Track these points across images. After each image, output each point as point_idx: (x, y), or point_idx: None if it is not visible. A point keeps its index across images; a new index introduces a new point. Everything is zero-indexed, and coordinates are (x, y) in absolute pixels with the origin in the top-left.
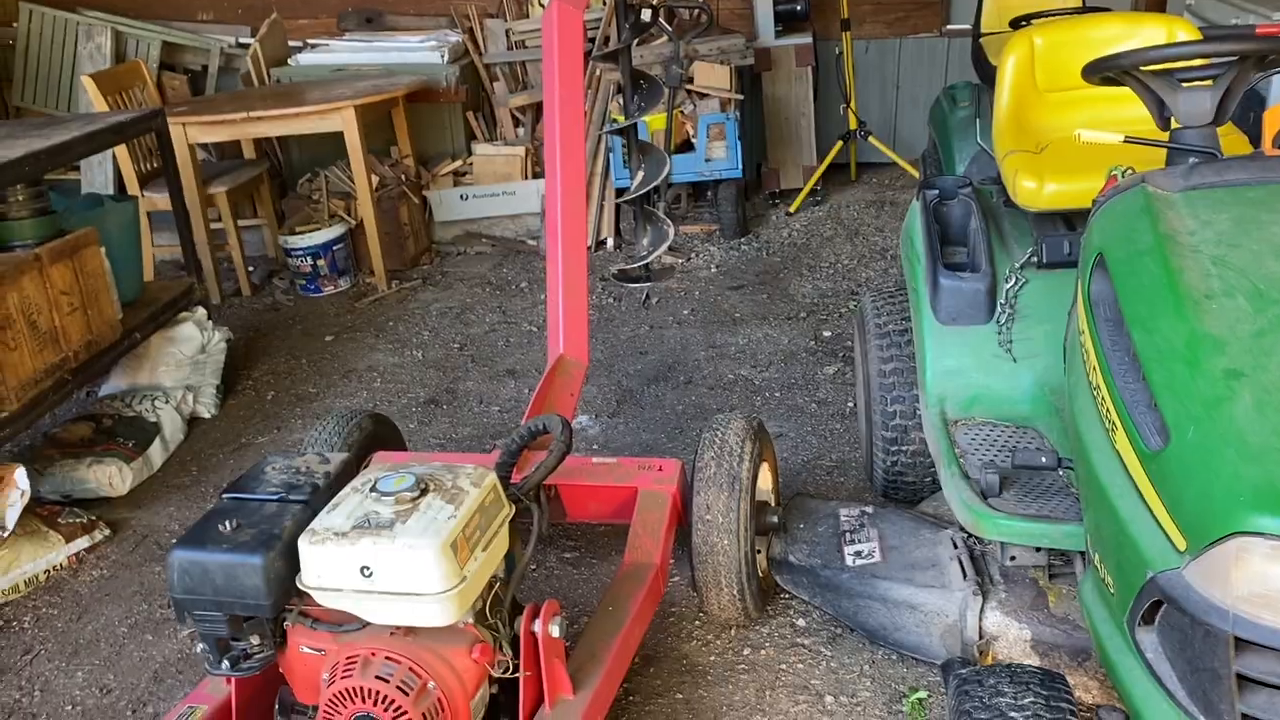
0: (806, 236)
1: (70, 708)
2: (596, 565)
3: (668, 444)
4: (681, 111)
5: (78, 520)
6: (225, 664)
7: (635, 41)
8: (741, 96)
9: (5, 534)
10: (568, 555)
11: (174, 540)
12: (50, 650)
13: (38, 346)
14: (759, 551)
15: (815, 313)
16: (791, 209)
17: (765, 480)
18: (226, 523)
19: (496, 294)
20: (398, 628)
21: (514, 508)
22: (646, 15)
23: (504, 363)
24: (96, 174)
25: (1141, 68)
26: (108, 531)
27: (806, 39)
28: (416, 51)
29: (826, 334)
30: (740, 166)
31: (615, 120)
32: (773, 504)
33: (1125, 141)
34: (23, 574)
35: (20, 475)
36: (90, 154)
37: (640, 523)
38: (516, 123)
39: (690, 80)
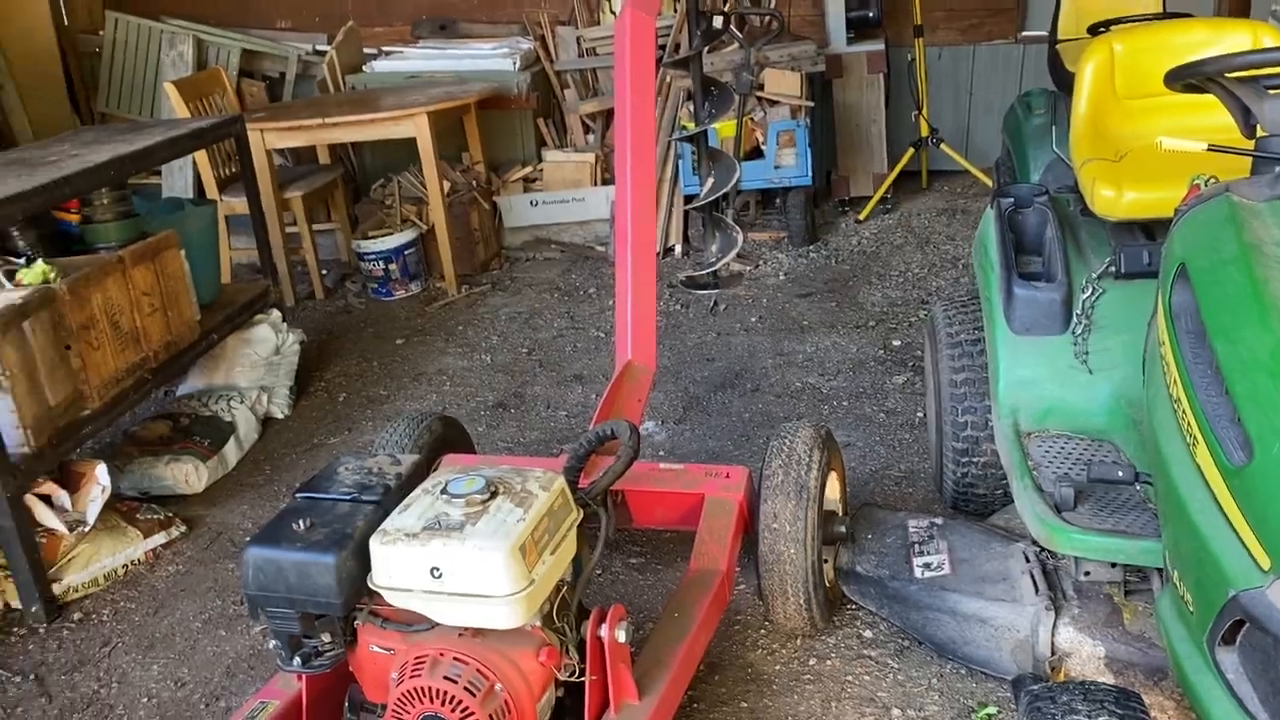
0: (876, 244)
1: (146, 699)
2: (662, 571)
3: (734, 451)
4: (751, 118)
5: (155, 517)
6: (297, 661)
7: (706, 48)
8: (812, 103)
9: (86, 529)
10: (633, 561)
11: (248, 538)
12: (128, 643)
13: (120, 346)
14: (826, 561)
15: (884, 321)
16: (861, 216)
17: (833, 489)
18: (300, 522)
19: (565, 299)
20: (466, 629)
21: (582, 512)
22: (718, 22)
23: (572, 368)
24: (177, 178)
25: (1226, 74)
26: (184, 528)
27: (878, 45)
28: (489, 59)
29: (896, 343)
30: (810, 174)
31: (685, 127)
32: (840, 513)
33: (1209, 150)
34: (102, 568)
35: (101, 471)
36: (172, 159)
37: (706, 529)
38: (587, 129)
39: (761, 87)
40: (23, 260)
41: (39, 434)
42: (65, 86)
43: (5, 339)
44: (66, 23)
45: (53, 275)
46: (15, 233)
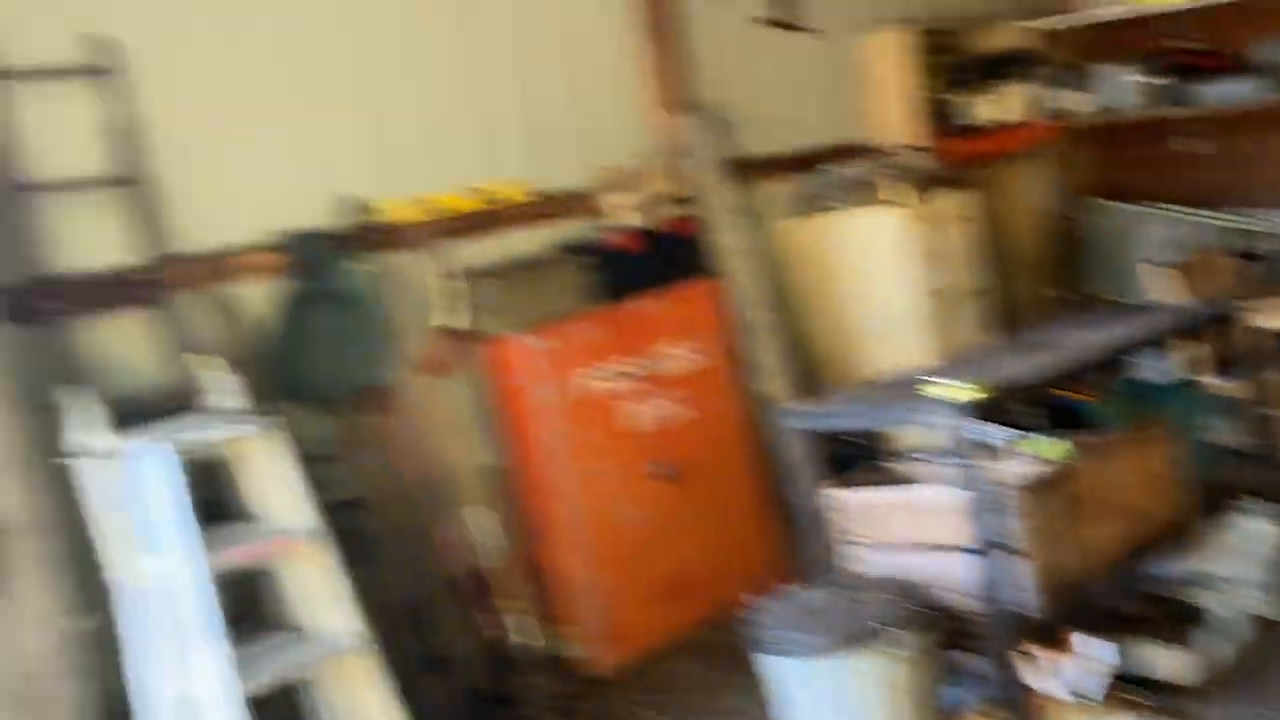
0: None
1: None
2: None
3: None
4: None
5: (1144, 702)
6: None
7: None
8: None
9: (1094, 703)
10: None
11: None
12: None
13: (1111, 522)
14: None
15: None
16: None
17: None
18: None
19: None
20: None
21: None
22: None
23: None
24: (1157, 358)
25: None
26: None
27: None
28: None
29: None
30: None
31: None
32: None
33: None
34: None
35: (1105, 647)
36: (1163, 342)
37: None
38: None
39: None
40: (1034, 435)
41: (1045, 599)
42: (1048, 269)
43: (1032, 507)
44: (1051, 210)
45: (1071, 452)
46: (1024, 409)
